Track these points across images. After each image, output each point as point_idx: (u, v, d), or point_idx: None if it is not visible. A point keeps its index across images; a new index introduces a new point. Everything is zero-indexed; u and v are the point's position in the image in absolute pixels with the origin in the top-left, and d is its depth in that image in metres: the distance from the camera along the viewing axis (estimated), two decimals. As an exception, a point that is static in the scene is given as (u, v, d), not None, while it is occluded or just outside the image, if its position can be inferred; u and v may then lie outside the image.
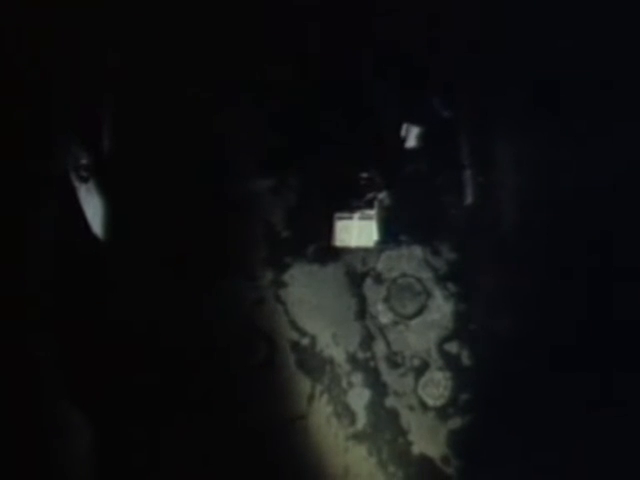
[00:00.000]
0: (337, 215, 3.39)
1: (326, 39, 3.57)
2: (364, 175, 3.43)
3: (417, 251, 3.41)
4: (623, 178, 3.36)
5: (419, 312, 3.36)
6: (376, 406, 3.31)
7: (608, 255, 3.32)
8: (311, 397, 3.33)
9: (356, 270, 3.42)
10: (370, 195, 3.41)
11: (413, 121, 3.43)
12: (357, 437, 3.29)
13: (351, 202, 3.40)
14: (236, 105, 3.54)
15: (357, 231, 3.36)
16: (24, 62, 3.13)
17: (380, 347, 3.35)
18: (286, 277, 3.42)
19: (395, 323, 3.37)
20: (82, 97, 3.35)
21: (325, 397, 3.32)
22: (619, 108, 3.33)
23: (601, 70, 3.33)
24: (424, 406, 3.30)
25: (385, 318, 3.37)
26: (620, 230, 3.33)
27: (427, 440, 3.28)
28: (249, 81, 3.51)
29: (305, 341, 3.36)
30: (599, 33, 3.35)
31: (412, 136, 3.42)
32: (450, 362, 3.32)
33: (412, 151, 3.45)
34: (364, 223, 3.36)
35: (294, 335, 3.36)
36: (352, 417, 3.31)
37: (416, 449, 3.28)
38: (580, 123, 3.35)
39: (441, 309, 3.36)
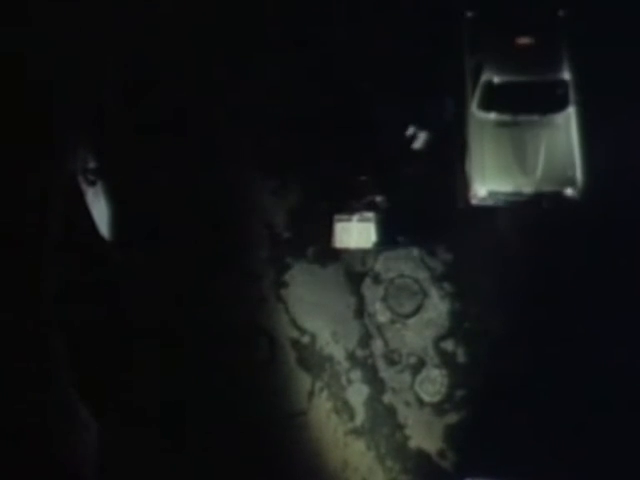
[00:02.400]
0: (337, 217, 3.48)
1: (328, 46, 3.64)
2: (362, 178, 3.52)
3: (414, 252, 3.52)
4: (618, 182, 3.45)
5: (416, 311, 3.46)
6: (374, 402, 3.42)
7: (603, 258, 3.41)
8: (311, 393, 3.43)
9: (355, 270, 3.53)
10: (369, 198, 3.49)
11: (416, 126, 3.51)
12: (356, 432, 3.40)
13: (350, 204, 3.48)
14: (238, 109, 3.62)
15: (356, 232, 3.44)
16: (35, 68, 3.20)
17: (378, 345, 3.45)
18: (287, 277, 3.52)
19: (393, 322, 3.47)
20: (90, 102, 3.42)
21: (325, 393, 3.42)
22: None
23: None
24: (421, 402, 3.40)
25: (383, 317, 3.47)
26: (616, 231, 3.42)
27: (424, 435, 3.39)
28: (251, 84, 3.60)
29: (305, 339, 3.46)
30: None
31: (420, 141, 3.50)
32: (446, 359, 3.41)
33: (409, 155, 3.54)
34: (363, 225, 3.44)
35: (295, 333, 3.48)
36: (351, 413, 3.41)
37: (413, 443, 3.38)
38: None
39: (437, 308, 3.47)
